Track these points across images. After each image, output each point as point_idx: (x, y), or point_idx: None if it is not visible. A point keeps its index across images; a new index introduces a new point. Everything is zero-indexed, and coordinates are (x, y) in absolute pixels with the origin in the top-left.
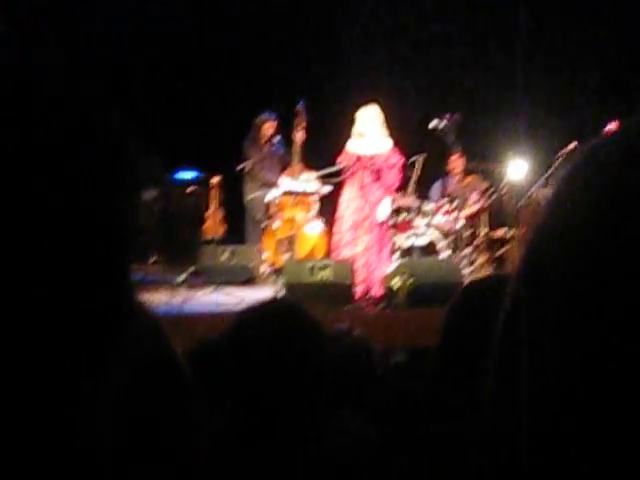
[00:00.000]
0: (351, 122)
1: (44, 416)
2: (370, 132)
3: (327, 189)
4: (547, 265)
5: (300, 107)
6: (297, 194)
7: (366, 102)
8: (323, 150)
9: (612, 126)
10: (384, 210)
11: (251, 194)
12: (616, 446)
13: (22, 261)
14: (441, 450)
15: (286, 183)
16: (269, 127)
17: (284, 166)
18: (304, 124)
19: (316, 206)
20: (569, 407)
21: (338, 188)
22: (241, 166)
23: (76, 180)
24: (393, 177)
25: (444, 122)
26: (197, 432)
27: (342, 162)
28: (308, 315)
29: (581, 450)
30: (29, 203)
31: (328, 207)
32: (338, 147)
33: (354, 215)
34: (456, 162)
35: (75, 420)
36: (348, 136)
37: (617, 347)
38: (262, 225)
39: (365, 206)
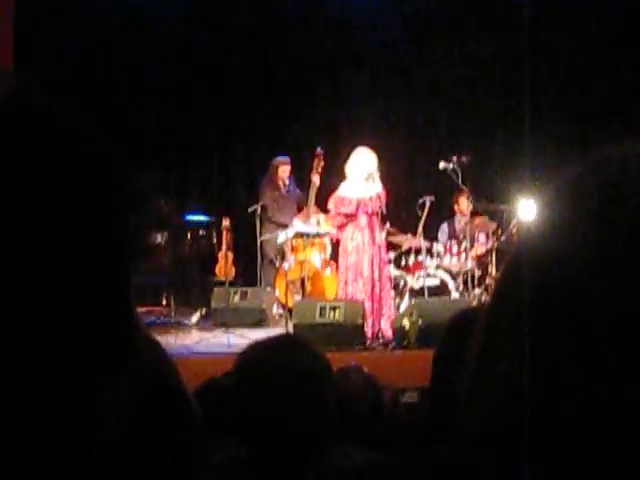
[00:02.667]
0: (343, 165)
1: (47, 430)
2: (373, 174)
3: (334, 230)
4: (515, 293)
5: (319, 151)
6: (309, 236)
7: (355, 146)
8: (327, 193)
9: None
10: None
11: (265, 234)
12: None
13: (23, 277)
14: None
15: (299, 225)
16: (285, 169)
17: (299, 208)
18: (321, 167)
19: (329, 248)
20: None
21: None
22: (254, 207)
23: (75, 200)
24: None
25: (452, 164)
26: (196, 462)
27: (345, 207)
28: (315, 351)
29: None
30: (25, 224)
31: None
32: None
33: (362, 258)
34: (464, 203)
35: (75, 429)
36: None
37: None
38: (275, 266)
39: (372, 248)
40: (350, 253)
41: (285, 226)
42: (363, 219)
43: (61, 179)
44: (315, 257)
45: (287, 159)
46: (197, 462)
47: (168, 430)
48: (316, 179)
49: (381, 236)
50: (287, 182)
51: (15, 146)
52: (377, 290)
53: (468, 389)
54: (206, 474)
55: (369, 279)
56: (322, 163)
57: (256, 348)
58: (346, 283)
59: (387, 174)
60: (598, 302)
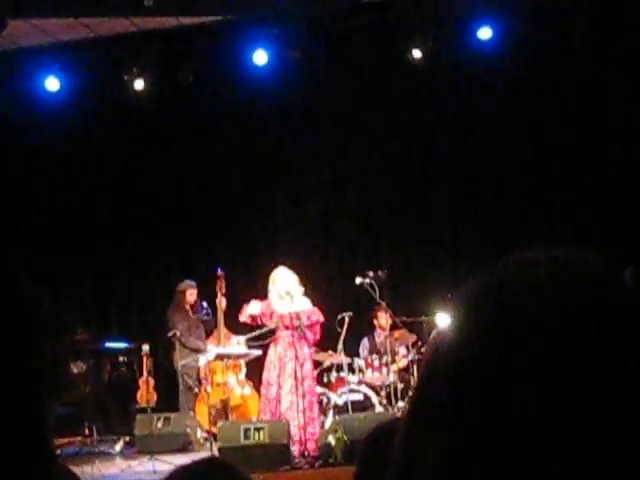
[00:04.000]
0: (262, 285)
1: None
2: (292, 291)
3: (258, 352)
4: (429, 403)
5: (220, 273)
6: (229, 358)
7: (276, 265)
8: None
9: None
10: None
11: (181, 360)
12: None
13: None
14: None
15: (215, 348)
16: (192, 293)
17: (209, 332)
18: (224, 289)
19: (244, 369)
20: None
21: (264, 349)
22: (170, 334)
23: None
24: (312, 336)
25: (368, 279)
26: None
27: (268, 319)
28: (237, 470)
29: None
30: None
31: (254, 369)
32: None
33: (283, 374)
34: (383, 318)
35: None
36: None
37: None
38: (194, 391)
39: (294, 364)
40: (273, 368)
41: (198, 350)
42: (282, 335)
43: None
44: (232, 379)
45: (193, 283)
46: None
47: None
48: (222, 301)
49: (304, 352)
50: (197, 306)
51: None
52: (300, 406)
53: None
54: None
55: (290, 394)
56: (224, 284)
57: (178, 473)
58: (268, 399)
59: (305, 291)
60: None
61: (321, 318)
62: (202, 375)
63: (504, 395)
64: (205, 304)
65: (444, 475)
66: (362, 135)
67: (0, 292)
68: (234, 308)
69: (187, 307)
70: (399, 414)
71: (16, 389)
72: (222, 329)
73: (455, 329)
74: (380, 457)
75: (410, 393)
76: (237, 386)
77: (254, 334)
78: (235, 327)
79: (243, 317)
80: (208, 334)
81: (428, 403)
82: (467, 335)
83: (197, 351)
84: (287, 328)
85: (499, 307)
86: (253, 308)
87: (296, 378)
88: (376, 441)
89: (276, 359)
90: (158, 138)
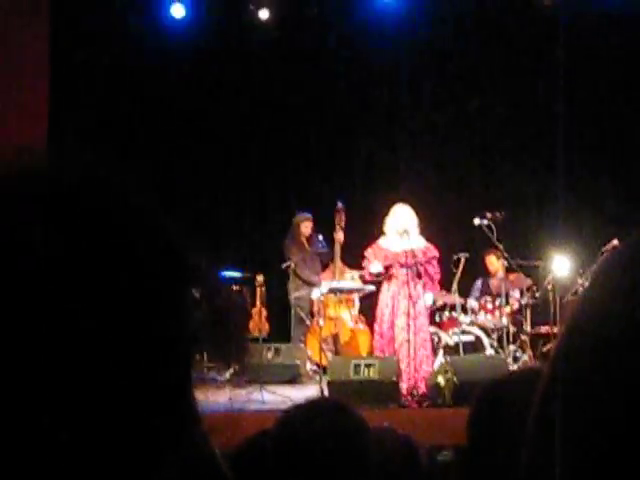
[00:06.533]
0: (381, 221)
1: None
2: (410, 229)
3: (371, 287)
4: (578, 360)
5: (340, 206)
6: (342, 292)
7: (395, 202)
8: (357, 249)
9: None
10: (426, 301)
11: (295, 292)
12: None
13: (86, 379)
14: None
15: (329, 282)
16: (307, 225)
17: (324, 265)
18: (343, 223)
19: (357, 304)
20: None
21: (378, 286)
22: (288, 263)
23: (134, 295)
24: (434, 270)
25: (486, 220)
26: None
27: (381, 260)
28: (353, 413)
29: None
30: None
31: (367, 305)
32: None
33: (396, 312)
34: (492, 262)
35: None
36: (378, 236)
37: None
38: (306, 323)
39: (407, 302)
40: (380, 307)
41: (311, 283)
42: (397, 273)
43: (134, 266)
44: (345, 314)
45: (308, 215)
46: None
47: None
48: (339, 235)
49: (417, 291)
50: (312, 239)
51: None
52: (412, 344)
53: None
54: None
55: (403, 331)
56: (343, 218)
57: (297, 413)
58: (381, 336)
59: (422, 230)
60: None
61: (436, 253)
62: (315, 308)
63: None
64: (320, 237)
65: (589, 437)
66: (485, 76)
67: (155, 243)
68: (352, 243)
69: (302, 239)
70: (510, 358)
71: (170, 355)
72: (338, 263)
73: (603, 286)
74: (496, 407)
75: (522, 337)
76: (349, 321)
77: (370, 270)
78: (351, 261)
79: (367, 275)
80: (324, 267)
81: (570, 360)
82: (618, 290)
83: (310, 284)
84: (402, 266)
85: None
86: (375, 267)
87: (409, 315)
88: (490, 399)
89: (389, 297)
90: (281, 68)
